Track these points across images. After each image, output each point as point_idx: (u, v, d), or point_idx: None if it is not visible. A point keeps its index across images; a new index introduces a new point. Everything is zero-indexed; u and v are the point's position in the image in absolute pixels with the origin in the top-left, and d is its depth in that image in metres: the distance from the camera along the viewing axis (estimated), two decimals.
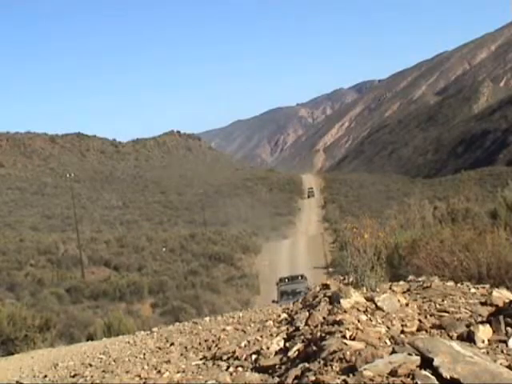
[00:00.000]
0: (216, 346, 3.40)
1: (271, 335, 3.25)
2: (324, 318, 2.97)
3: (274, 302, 17.50)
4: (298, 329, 3.06)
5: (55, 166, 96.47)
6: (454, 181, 73.51)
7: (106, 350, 3.98)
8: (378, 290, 3.87)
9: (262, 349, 2.86)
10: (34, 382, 3.34)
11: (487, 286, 4.18)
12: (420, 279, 4.64)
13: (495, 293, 3.37)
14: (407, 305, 3.18)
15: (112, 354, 3.79)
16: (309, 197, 75.31)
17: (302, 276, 23.08)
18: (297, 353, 2.59)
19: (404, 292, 3.88)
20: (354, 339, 2.36)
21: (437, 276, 4.78)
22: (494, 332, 2.45)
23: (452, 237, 6.59)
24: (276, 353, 2.79)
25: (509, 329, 2.46)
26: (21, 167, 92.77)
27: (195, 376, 2.77)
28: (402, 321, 2.83)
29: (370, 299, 3.15)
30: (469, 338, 2.40)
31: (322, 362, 2.16)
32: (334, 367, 2.06)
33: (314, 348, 2.43)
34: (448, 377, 1.75)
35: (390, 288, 4.03)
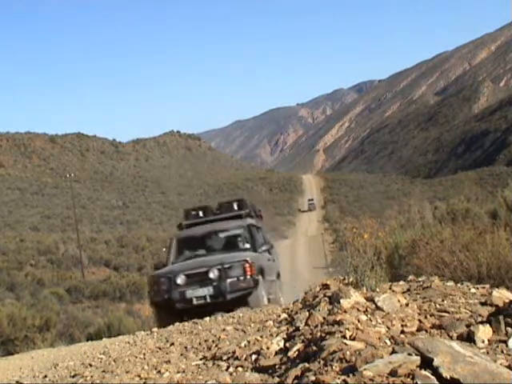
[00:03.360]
0: (216, 346, 3.39)
1: (271, 335, 3.25)
2: (324, 318, 2.97)
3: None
4: (298, 329, 3.06)
5: (55, 166, 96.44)
6: (454, 181, 73.52)
7: (105, 350, 3.97)
8: (378, 290, 3.86)
9: (262, 349, 2.86)
10: (34, 382, 3.34)
11: (487, 286, 4.17)
12: (420, 279, 4.64)
13: (495, 293, 3.36)
14: (407, 305, 3.18)
15: (112, 354, 3.79)
16: (310, 210, 66.94)
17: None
18: (297, 353, 2.59)
19: (404, 292, 3.88)
20: (354, 339, 2.36)
21: (437, 276, 4.78)
22: (494, 332, 2.45)
23: (452, 237, 6.59)
24: (276, 353, 2.79)
25: (509, 329, 2.46)
26: (21, 167, 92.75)
27: (195, 376, 2.77)
28: (402, 321, 2.83)
29: (370, 299, 3.15)
30: (469, 338, 2.40)
31: (321, 361, 2.16)
32: (334, 367, 2.06)
33: (314, 348, 2.43)
34: (448, 377, 1.75)
35: (390, 288, 4.03)
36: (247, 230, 9.93)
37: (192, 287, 8.72)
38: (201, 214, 10.58)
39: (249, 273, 8.68)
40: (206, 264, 8.88)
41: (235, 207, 10.48)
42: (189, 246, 10.01)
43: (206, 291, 8.71)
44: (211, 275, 8.71)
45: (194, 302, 8.58)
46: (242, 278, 8.71)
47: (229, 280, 8.63)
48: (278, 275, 11.17)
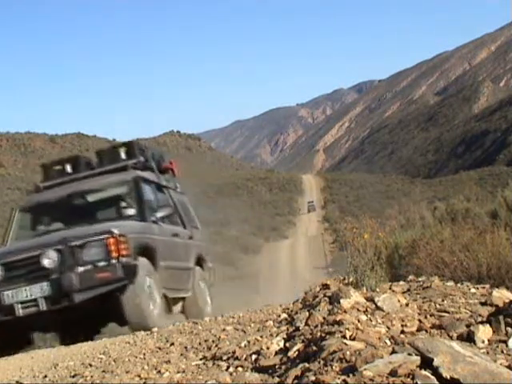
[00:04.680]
0: (216, 346, 3.39)
1: (271, 335, 3.25)
2: (324, 318, 2.97)
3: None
4: (298, 329, 3.06)
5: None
6: (454, 181, 73.51)
7: (105, 350, 3.97)
8: (378, 290, 3.87)
9: (262, 349, 2.86)
10: (34, 382, 3.34)
11: (487, 286, 4.18)
12: (420, 279, 4.64)
13: (495, 293, 3.37)
14: (407, 305, 3.18)
15: (112, 354, 3.79)
16: (309, 211, 65.72)
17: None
18: (297, 353, 2.59)
19: (404, 292, 3.88)
20: (354, 339, 2.36)
21: (437, 276, 4.78)
22: (494, 332, 2.45)
23: (452, 237, 6.59)
24: (276, 353, 2.79)
25: (509, 329, 2.46)
26: (21, 167, 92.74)
27: (195, 376, 2.77)
28: (402, 321, 2.83)
29: (370, 299, 3.15)
30: (469, 338, 2.40)
31: (321, 361, 2.16)
32: (334, 367, 2.06)
33: (314, 348, 2.43)
34: (448, 377, 1.76)
35: (390, 288, 4.03)
36: (133, 188, 6.71)
37: (12, 286, 5.49)
38: (68, 169, 7.17)
39: (114, 253, 5.54)
40: (38, 244, 5.74)
41: (123, 155, 7.13)
42: (39, 219, 6.95)
43: (39, 291, 5.49)
44: (46, 262, 5.49)
45: (18, 311, 5.46)
46: (102, 263, 5.55)
47: (79, 269, 5.50)
48: (201, 261, 7.95)
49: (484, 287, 3.98)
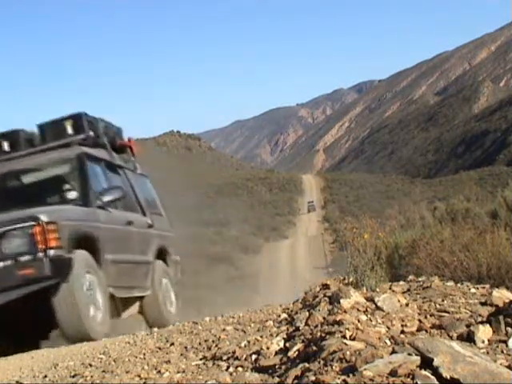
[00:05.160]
0: (216, 346, 3.39)
1: (271, 335, 3.25)
2: (324, 318, 2.97)
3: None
4: (298, 329, 3.06)
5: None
6: (454, 181, 73.52)
7: (105, 350, 3.97)
8: (378, 290, 3.87)
9: (262, 349, 2.86)
10: (34, 382, 3.34)
11: (487, 286, 4.18)
12: (420, 279, 4.64)
13: (495, 293, 3.37)
14: (407, 305, 3.18)
15: (112, 354, 3.79)
16: (309, 211, 65.66)
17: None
18: (297, 353, 2.59)
19: (404, 292, 3.88)
20: (354, 339, 2.36)
21: (437, 276, 4.78)
22: (493, 332, 2.45)
23: (452, 237, 6.59)
24: (276, 353, 2.79)
25: (509, 329, 2.47)
26: None
27: (195, 376, 2.77)
28: (402, 321, 2.83)
29: (370, 299, 3.15)
30: (469, 338, 2.40)
31: (321, 361, 2.16)
32: (334, 367, 2.06)
33: (314, 348, 2.43)
34: (448, 377, 1.76)
35: (390, 288, 4.03)
36: (76, 167, 5.74)
37: None
38: (5, 146, 6.12)
39: (41, 245, 4.63)
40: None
41: (69, 130, 6.07)
42: None
43: None
44: None
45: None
46: (25, 257, 4.64)
47: None
48: (164, 254, 6.98)
49: (484, 287, 3.98)
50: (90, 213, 5.48)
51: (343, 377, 1.90)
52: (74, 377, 3.23)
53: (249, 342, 3.16)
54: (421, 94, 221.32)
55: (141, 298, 6.46)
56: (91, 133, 6.26)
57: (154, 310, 6.58)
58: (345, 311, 2.95)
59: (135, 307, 6.51)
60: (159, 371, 2.97)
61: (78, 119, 6.20)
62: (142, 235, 6.54)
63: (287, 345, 2.83)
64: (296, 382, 2.15)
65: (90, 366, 3.46)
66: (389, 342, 2.36)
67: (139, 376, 2.96)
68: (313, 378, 1.98)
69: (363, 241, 5.77)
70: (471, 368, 1.76)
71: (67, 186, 5.77)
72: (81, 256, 5.01)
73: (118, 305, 5.89)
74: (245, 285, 33.18)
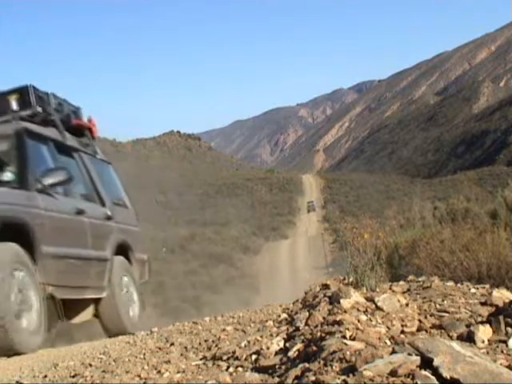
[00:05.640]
0: (216, 346, 3.39)
1: (271, 335, 3.25)
2: (324, 318, 2.97)
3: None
4: (298, 329, 3.06)
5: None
6: (454, 181, 73.54)
7: (105, 350, 3.97)
8: (377, 290, 3.87)
9: (262, 349, 2.85)
10: (34, 382, 3.34)
11: (487, 286, 4.17)
12: (420, 279, 4.64)
13: (495, 293, 3.37)
14: (407, 305, 3.18)
15: (112, 354, 3.79)
16: (309, 211, 65.33)
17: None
18: (297, 353, 2.59)
19: (404, 292, 3.88)
20: (354, 339, 2.36)
21: (437, 276, 4.78)
22: (493, 332, 2.45)
23: (452, 237, 6.60)
24: (276, 353, 2.79)
25: (509, 329, 2.46)
26: None
27: (195, 376, 2.77)
28: (402, 321, 2.83)
29: (370, 299, 3.15)
30: (469, 338, 2.40)
31: (321, 361, 2.16)
32: (334, 367, 2.05)
33: (314, 348, 2.43)
34: (448, 377, 1.75)
35: (390, 288, 4.03)
36: (14, 145, 5.11)
37: None
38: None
39: None
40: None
41: (14, 105, 5.48)
42: None
43: None
44: None
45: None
46: None
47: None
48: (126, 250, 6.22)
49: (484, 287, 3.98)
50: (25, 197, 4.69)
51: (343, 377, 1.90)
52: (74, 377, 3.23)
53: (249, 342, 3.16)
54: (421, 94, 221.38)
55: (97, 300, 5.70)
56: (39, 109, 5.56)
57: (112, 314, 5.79)
58: (345, 311, 2.95)
59: (89, 311, 5.73)
60: (159, 371, 2.97)
61: (24, 93, 5.53)
62: (97, 227, 5.74)
63: (287, 345, 2.83)
64: (296, 382, 2.15)
65: (90, 365, 3.46)
66: (389, 342, 2.36)
67: (139, 376, 2.96)
68: (313, 378, 1.98)
69: (363, 241, 5.77)
70: (471, 368, 1.76)
71: (3, 167, 5.01)
72: (5, 248, 4.20)
73: (59, 308, 5.00)
74: (245, 285, 33.17)
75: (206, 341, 3.64)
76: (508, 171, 67.93)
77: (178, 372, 2.90)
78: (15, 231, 4.38)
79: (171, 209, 68.56)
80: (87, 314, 5.73)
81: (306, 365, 2.23)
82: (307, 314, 3.28)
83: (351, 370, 1.95)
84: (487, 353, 2.22)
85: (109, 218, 6.09)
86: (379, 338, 2.40)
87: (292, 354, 2.62)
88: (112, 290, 5.79)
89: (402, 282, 4.51)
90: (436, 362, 1.82)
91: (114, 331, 5.68)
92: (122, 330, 5.67)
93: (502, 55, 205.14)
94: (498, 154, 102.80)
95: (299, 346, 2.66)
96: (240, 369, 2.72)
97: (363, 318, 2.82)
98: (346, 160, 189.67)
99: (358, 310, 3.01)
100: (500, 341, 2.37)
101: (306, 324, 3.03)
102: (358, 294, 3.26)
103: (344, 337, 2.40)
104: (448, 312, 3.03)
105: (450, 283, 4.21)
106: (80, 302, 5.50)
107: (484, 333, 2.40)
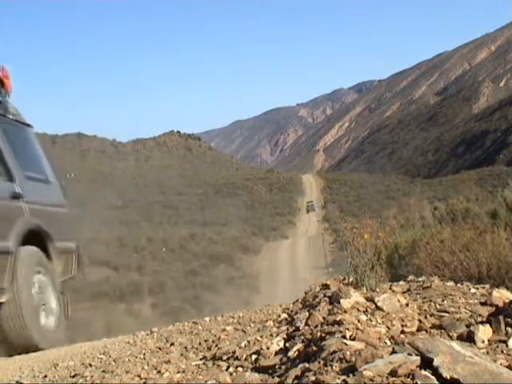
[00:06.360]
0: (216, 346, 3.39)
1: (271, 335, 3.24)
2: (324, 318, 2.97)
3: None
4: (298, 329, 3.06)
5: (55, 166, 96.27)
6: (454, 181, 73.53)
7: (105, 350, 3.97)
8: (377, 290, 3.86)
9: (262, 349, 2.85)
10: (34, 382, 3.34)
11: (487, 286, 4.17)
12: (420, 279, 4.64)
13: (495, 293, 3.36)
14: (407, 305, 3.18)
15: (112, 354, 3.78)
16: (309, 211, 64.04)
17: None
18: (297, 353, 2.59)
19: (404, 292, 3.88)
20: (354, 339, 2.36)
21: (437, 276, 4.78)
22: (493, 332, 2.45)
23: (452, 237, 6.59)
24: (276, 353, 2.79)
25: (509, 329, 2.46)
26: None
27: (195, 376, 2.77)
28: (402, 321, 2.83)
29: (370, 299, 3.15)
30: (469, 338, 2.40)
31: (321, 361, 2.16)
32: (334, 367, 2.05)
33: (314, 348, 2.43)
34: (448, 377, 1.75)
35: (390, 288, 4.03)
36: (314, 203, 4.07)
37: None
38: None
39: None
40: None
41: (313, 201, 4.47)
42: None
43: None
44: None
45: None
46: None
47: None
48: (42, 239, 4.90)
49: (484, 287, 3.98)
50: None
51: (343, 377, 1.90)
52: (74, 377, 3.23)
53: (249, 342, 3.16)
54: (421, 94, 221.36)
55: None
56: None
57: (14, 323, 4.44)
58: (345, 311, 2.95)
59: None
60: (159, 371, 2.97)
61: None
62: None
63: (287, 345, 2.83)
64: (296, 382, 2.15)
65: (90, 365, 3.46)
66: (389, 342, 2.36)
67: (139, 376, 2.96)
68: (313, 378, 1.98)
69: (363, 241, 5.77)
70: (471, 368, 1.76)
71: None
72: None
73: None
74: (245, 285, 33.16)
75: (206, 341, 3.64)
76: (508, 171, 67.93)
77: (178, 372, 2.90)
78: None
79: (171, 209, 68.54)
80: None
81: (306, 365, 2.23)
82: (307, 314, 3.28)
83: (351, 369, 1.95)
84: (487, 353, 2.22)
85: (15, 197, 4.72)
86: (379, 338, 2.40)
87: (292, 353, 2.62)
88: (15, 291, 4.45)
89: (401, 282, 4.51)
90: (436, 362, 1.82)
91: (18, 346, 4.39)
92: (29, 345, 4.42)
93: (502, 55, 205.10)
94: (498, 154, 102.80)
95: (299, 345, 2.66)
96: (240, 369, 2.72)
97: (363, 318, 2.82)
98: (346, 160, 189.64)
99: (358, 310, 3.00)
100: (500, 341, 2.37)
101: (306, 324, 3.03)
102: (358, 294, 3.26)
103: (344, 337, 2.40)
104: (448, 312, 3.03)
105: (450, 283, 4.21)
106: None
107: (484, 333, 2.40)
